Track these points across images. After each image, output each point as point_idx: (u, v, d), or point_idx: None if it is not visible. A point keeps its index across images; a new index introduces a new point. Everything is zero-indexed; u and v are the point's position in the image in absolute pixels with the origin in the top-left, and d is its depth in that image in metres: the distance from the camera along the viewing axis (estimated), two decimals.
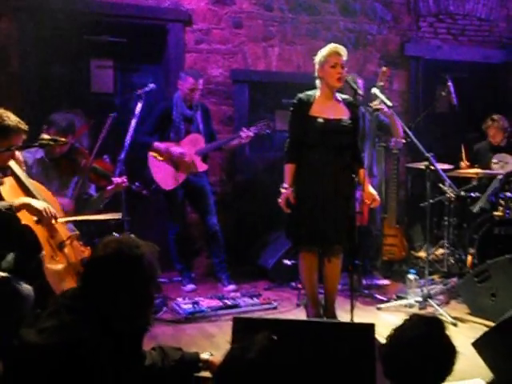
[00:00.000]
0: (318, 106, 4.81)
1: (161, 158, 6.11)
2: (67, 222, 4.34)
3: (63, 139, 4.16)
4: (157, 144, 6.11)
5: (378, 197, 5.10)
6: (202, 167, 6.25)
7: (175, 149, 6.07)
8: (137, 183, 5.40)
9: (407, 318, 2.70)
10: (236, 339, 3.01)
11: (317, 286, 5.04)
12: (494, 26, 8.57)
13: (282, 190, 4.80)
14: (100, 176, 5.10)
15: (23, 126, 3.86)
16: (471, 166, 6.97)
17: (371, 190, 5.08)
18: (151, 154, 6.13)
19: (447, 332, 2.57)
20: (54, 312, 2.48)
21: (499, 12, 8.57)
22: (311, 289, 5.00)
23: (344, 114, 4.82)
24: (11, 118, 3.81)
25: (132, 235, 2.69)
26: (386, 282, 6.51)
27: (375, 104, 5.70)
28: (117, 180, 5.11)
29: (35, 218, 3.80)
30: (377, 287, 6.31)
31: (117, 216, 4.71)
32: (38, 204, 3.80)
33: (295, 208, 4.77)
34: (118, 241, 2.58)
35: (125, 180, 5.17)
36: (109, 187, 5.10)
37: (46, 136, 4.18)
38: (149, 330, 2.66)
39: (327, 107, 4.81)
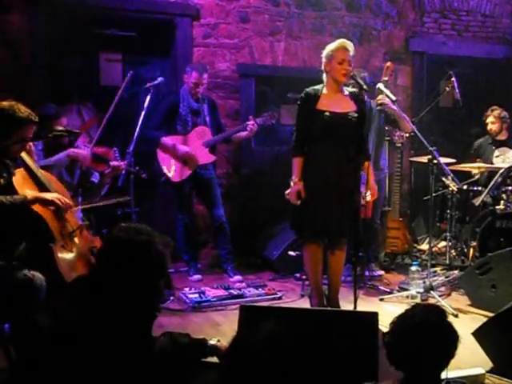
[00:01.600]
0: (325, 99, 4.85)
1: (168, 154, 6.21)
2: (78, 209, 4.43)
3: (76, 130, 4.22)
4: (164, 140, 6.17)
5: (375, 191, 5.18)
6: (209, 158, 6.32)
7: (181, 147, 6.15)
8: (136, 167, 5.44)
9: (410, 306, 2.77)
10: (243, 327, 3.09)
11: (321, 276, 5.10)
12: (498, 22, 8.61)
13: (292, 184, 4.85)
14: (99, 161, 5.19)
15: (34, 117, 3.91)
16: (474, 161, 7.03)
17: (373, 183, 5.15)
18: (159, 149, 6.21)
19: (448, 319, 2.65)
20: (65, 299, 2.56)
21: (503, 8, 8.62)
22: (315, 279, 5.07)
23: (350, 108, 4.86)
24: (22, 110, 3.86)
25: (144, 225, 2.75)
26: (380, 272, 6.54)
27: (379, 99, 5.77)
28: (114, 163, 5.18)
29: (52, 208, 3.89)
30: (380, 279, 6.36)
31: (125, 198, 4.77)
32: (50, 196, 3.87)
33: (302, 199, 4.83)
34: (127, 228, 2.66)
35: (121, 163, 5.22)
36: (106, 171, 5.17)
37: (59, 127, 4.23)
38: (157, 316, 2.74)
39: (334, 101, 4.86)
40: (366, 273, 6.21)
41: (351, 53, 4.83)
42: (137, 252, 2.54)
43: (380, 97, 5.76)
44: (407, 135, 6.38)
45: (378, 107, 5.93)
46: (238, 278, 6.30)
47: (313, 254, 5.00)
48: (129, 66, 7.06)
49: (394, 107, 5.79)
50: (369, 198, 5.13)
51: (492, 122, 7.14)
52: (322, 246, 5.02)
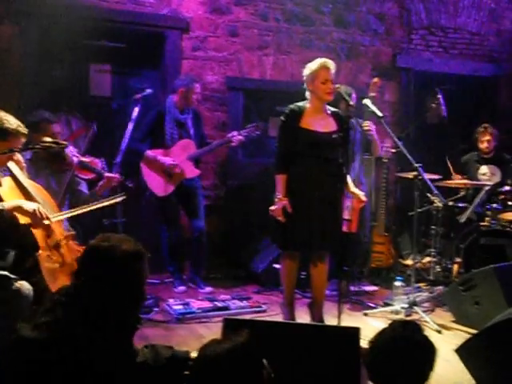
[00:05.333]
0: (308, 118, 4.90)
1: (152, 168, 6.21)
2: (66, 217, 4.41)
3: (64, 142, 4.22)
4: (148, 154, 6.18)
5: (363, 197, 5.18)
6: (193, 173, 6.34)
7: (165, 160, 6.16)
8: (122, 176, 5.40)
9: (388, 324, 2.79)
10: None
11: (294, 288, 5.19)
12: (485, 40, 8.72)
13: (276, 200, 4.88)
14: (87, 169, 5.17)
15: (23, 129, 3.93)
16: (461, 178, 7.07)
17: (355, 189, 5.15)
18: (142, 163, 6.22)
19: (424, 333, 2.66)
20: (49, 308, 2.56)
21: (490, 26, 8.72)
22: (289, 290, 5.14)
23: (333, 127, 4.92)
24: (11, 122, 3.88)
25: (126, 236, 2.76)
26: (374, 288, 6.61)
27: (366, 125, 5.87)
28: (109, 175, 5.15)
29: (28, 220, 3.85)
30: (365, 293, 6.40)
31: (119, 198, 4.74)
32: (29, 206, 3.82)
33: (285, 213, 4.85)
34: (102, 237, 2.67)
35: (116, 175, 5.21)
36: (100, 182, 5.13)
37: (47, 138, 4.23)
38: (138, 328, 2.74)
39: (317, 120, 4.91)
40: (352, 288, 6.24)
41: (333, 71, 4.88)
42: (110, 261, 2.56)
43: (366, 123, 5.86)
44: (393, 150, 6.43)
45: (365, 132, 6.00)
46: (209, 289, 6.36)
47: (289, 266, 5.07)
48: (118, 76, 7.09)
49: (376, 136, 5.99)
50: (364, 198, 5.16)
51: (488, 139, 7.16)
52: (299, 259, 5.07)
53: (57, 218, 4.24)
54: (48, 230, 4.02)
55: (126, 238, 2.69)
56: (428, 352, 2.58)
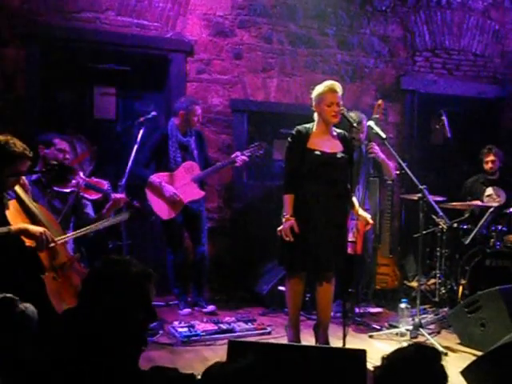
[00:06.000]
0: (315, 139, 4.93)
1: (156, 193, 6.22)
2: (71, 240, 4.42)
3: (70, 166, 4.25)
4: (152, 180, 6.19)
5: (370, 219, 5.19)
6: (198, 195, 6.36)
7: (167, 189, 6.17)
8: (129, 196, 5.41)
9: (401, 344, 2.77)
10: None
11: (299, 310, 5.16)
12: (489, 61, 8.74)
13: (284, 220, 4.87)
14: (94, 190, 5.14)
15: (28, 152, 3.99)
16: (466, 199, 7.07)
17: (363, 212, 5.18)
18: (147, 189, 6.23)
19: (442, 362, 2.63)
20: (54, 330, 2.56)
21: (494, 48, 8.74)
22: (294, 312, 5.11)
23: (338, 148, 4.94)
24: (17, 145, 3.93)
25: (133, 260, 2.76)
26: (378, 309, 6.59)
27: (370, 147, 5.88)
28: (116, 196, 5.13)
29: (33, 244, 3.87)
30: (370, 315, 6.38)
31: (124, 216, 4.73)
32: (35, 229, 3.87)
33: (294, 236, 4.85)
34: (108, 259, 2.67)
35: (123, 196, 5.20)
36: (107, 204, 5.11)
37: (53, 162, 4.26)
38: (143, 350, 2.74)
39: (323, 141, 4.93)
40: (357, 309, 6.22)
41: (339, 93, 4.90)
42: (116, 283, 2.56)
43: (370, 145, 5.87)
44: (397, 172, 6.44)
45: (369, 154, 6.01)
46: (212, 307, 6.36)
47: (295, 287, 5.04)
48: (122, 99, 7.13)
49: (382, 156, 5.96)
50: (371, 221, 5.16)
51: (492, 160, 7.17)
52: (304, 280, 5.05)
53: (62, 239, 4.25)
54: (53, 252, 4.04)
55: (132, 260, 2.69)
56: (443, 381, 2.55)
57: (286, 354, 3.33)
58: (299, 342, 5.06)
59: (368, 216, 5.20)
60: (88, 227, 4.51)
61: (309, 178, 4.87)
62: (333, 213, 4.83)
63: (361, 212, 5.15)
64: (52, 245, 3.97)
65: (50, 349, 2.46)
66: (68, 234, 4.45)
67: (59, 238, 4.20)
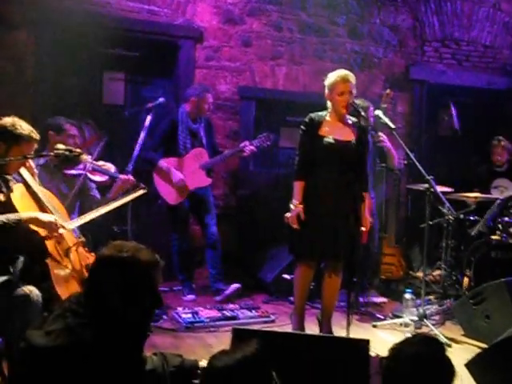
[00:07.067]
0: (328, 126, 4.91)
1: (164, 178, 6.25)
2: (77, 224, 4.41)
3: (78, 150, 4.23)
4: (161, 164, 6.23)
5: (368, 223, 5.15)
6: (206, 182, 6.38)
7: (175, 175, 6.20)
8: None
9: (411, 335, 2.76)
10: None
11: (306, 298, 5.17)
12: (498, 52, 8.71)
13: (292, 207, 4.88)
14: (100, 172, 5.11)
15: (35, 135, 3.97)
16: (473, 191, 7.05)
17: (367, 215, 5.14)
18: (155, 173, 6.26)
19: (447, 354, 2.63)
20: (59, 315, 2.55)
21: (504, 39, 8.71)
22: (300, 300, 5.12)
23: (351, 136, 4.90)
24: (24, 127, 3.91)
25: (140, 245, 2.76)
26: (383, 299, 6.59)
27: (379, 136, 5.86)
28: (123, 176, 5.11)
29: (43, 232, 3.87)
30: (374, 305, 6.39)
31: (141, 191, 4.74)
32: (46, 217, 3.84)
33: (300, 222, 4.85)
34: (116, 245, 2.67)
35: (130, 176, 5.15)
36: (114, 186, 5.10)
37: (61, 146, 4.24)
38: (148, 335, 2.75)
39: (336, 128, 4.91)
40: (361, 299, 6.23)
41: (352, 83, 4.87)
42: (125, 270, 2.56)
43: (379, 134, 5.86)
44: (405, 162, 6.42)
45: (377, 144, 6.00)
46: (236, 285, 6.38)
47: (304, 275, 5.04)
48: (131, 85, 7.13)
49: (389, 146, 5.94)
50: (363, 228, 5.06)
51: (501, 152, 7.14)
52: (314, 268, 5.05)
53: (73, 224, 4.25)
54: (59, 237, 4.02)
55: (139, 246, 2.69)
56: (447, 373, 2.56)
57: (289, 342, 3.34)
58: (303, 330, 5.07)
59: (369, 219, 5.17)
60: (99, 209, 4.47)
61: (320, 165, 4.87)
62: (342, 202, 4.81)
63: (366, 215, 5.09)
64: (62, 231, 3.97)
65: (56, 334, 2.47)
66: (78, 220, 4.42)
67: (69, 222, 4.20)
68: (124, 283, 2.55)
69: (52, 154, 4.07)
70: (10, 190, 3.91)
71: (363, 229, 5.03)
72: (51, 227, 3.86)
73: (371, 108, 6.05)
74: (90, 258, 4.26)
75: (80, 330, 2.47)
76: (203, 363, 3.06)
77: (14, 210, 3.82)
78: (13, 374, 2.53)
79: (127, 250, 2.61)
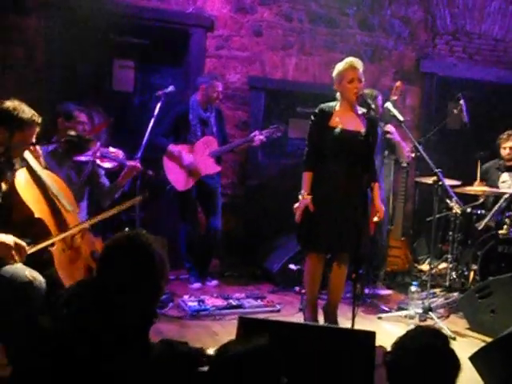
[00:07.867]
0: (338, 116, 4.89)
1: (174, 162, 6.27)
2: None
3: (88, 136, 4.22)
4: (171, 148, 6.26)
5: (382, 212, 5.15)
6: (215, 169, 6.40)
7: (186, 158, 6.24)
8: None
9: (414, 327, 2.77)
10: (240, 338, 3.11)
11: (317, 290, 5.15)
12: (509, 47, 8.65)
13: (300, 197, 4.88)
14: (109, 158, 5.06)
15: (37, 118, 3.91)
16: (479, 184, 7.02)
17: (380, 204, 5.14)
18: (165, 157, 6.28)
19: (451, 346, 2.64)
20: (67, 300, 2.59)
21: None
22: (312, 293, 5.11)
23: (362, 127, 4.86)
24: (26, 111, 3.86)
25: (144, 231, 2.77)
26: (388, 291, 6.60)
27: (386, 127, 5.86)
28: (131, 163, 5.08)
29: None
30: (379, 297, 6.39)
31: (137, 200, 4.74)
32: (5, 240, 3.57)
33: (308, 213, 4.86)
34: (132, 235, 2.69)
35: (138, 164, 5.12)
36: (123, 172, 5.08)
37: (72, 132, 4.23)
38: (154, 322, 2.76)
39: (346, 118, 4.89)
40: (367, 290, 6.24)
41: (360, 70, 4.86)
42: (135, 258, 2.58)
43: (388, 126, 5.85)
44: (413, 155, 6.41)
45: (386, 135, 6.00)
46: (215, 282, 6.52)
47: (313, 267, 5.03)
48: (141, 73, 7.13)
49: (398, 138, 5.95)
50: (376, 218, 5.09)
51: (510, 147, 7.07)
52: (324, 259, 5.05)
53: (77, 228, 4.12)
54: (63, 223, 4.02)
55: (146, 235, 2.70)
56: (452, 365, 2.56)
57: (294, 332, 3.35)
58: (317, 321, 5.06)
59: (382, 208, 5.15)
60: (102, 214, 4.33)
61: (329, 156, 4.87)
62: (350, 194, 4.79)
63: (378, 202, 5.11)
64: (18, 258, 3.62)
65: (64, 319, 2.49)
66: (83, 223, 4.27)
67: (72, 226, 4.08)
68: (132, 272, 2.56)
69: (62, 140, 4.05)
70: (14, 176, 3.90)
71: (376, 219, 5.06)
72: (11, 251, 3.56)
73: (380, 97, 6.05)
74: (96, 244, 4.27)
75: (87, 316, 2.49)
76: (210, 351, 3.07)
77: (17, 197, 3.81)
78: (20, 359, 2.54)
79: (138, 239, 2.62)
